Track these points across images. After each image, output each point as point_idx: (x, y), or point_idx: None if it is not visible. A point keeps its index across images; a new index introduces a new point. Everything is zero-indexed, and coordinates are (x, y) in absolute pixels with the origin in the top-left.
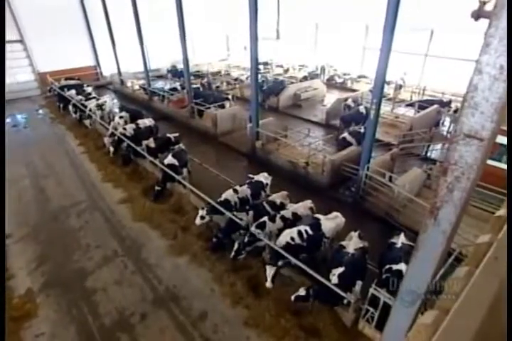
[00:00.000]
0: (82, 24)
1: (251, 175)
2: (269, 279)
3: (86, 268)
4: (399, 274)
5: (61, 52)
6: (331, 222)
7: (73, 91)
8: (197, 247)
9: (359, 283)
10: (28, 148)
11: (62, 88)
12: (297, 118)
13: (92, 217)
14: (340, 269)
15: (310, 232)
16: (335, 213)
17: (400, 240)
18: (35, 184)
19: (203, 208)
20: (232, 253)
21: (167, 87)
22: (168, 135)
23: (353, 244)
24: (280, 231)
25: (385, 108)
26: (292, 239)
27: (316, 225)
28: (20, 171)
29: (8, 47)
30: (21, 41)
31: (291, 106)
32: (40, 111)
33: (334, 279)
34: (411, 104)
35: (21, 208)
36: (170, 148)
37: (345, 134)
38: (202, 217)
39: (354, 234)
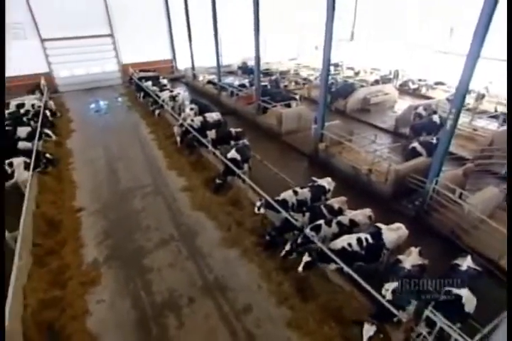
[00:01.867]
0: (164, 21)
1: (314, 179)
2: (301, 265)
3: (144, 248)
4: (458, 299)
5: (143, 46)
6: (393, 233)
7: (150, 83)
8: (249, 242)
9: (414, 302)
10: (106, 132)
11: (140, 79)
12: (364, 123)
13: (155, 201)
14: (395, 285)
15: (370, 241)
16: (398, 224)
17: (466, 263)
18: (109, 165)
19: (260, 200)
20: (283, 252)
21: (236, 83)
22: (231, 129)
23: (411, 259)
24: (335, 236)
25: (463, 119)
26: (350, 245)
27: (377, 234)
28: (98, 152)
29: (99, 40)
30: (111, 35)
31: (359, 110)
32: (120, 99)
33: (388, 295)
34: (494, 116)
35: (96, 186)
36: (230, 142)
37: (415, 144)
38: (257, 208)
39: (414, 250)
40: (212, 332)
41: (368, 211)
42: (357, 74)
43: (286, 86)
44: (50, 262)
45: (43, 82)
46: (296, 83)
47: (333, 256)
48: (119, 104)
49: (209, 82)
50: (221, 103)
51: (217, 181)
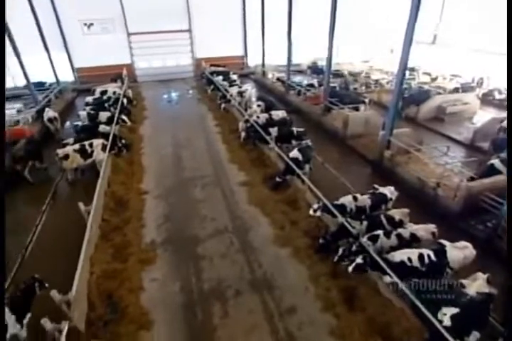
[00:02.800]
0: (239, 18)
1: (376, 186)
2: (352, 265)
3: (199, 236)
4: None
5: (217, 42)
6: (458, 252)
7: (220, 77)
8: (301, 243)
9: (475, 334)
10: (175, 121)
11: (212, 73)
12: (436, 133)
13: (214, 192)
14: (455, 310)
15: (433, 258)
16: (464, 243)
17: None
18: (175, 152)
19: (318, 202)
20: (336, 258)
21: (305, 82)
22: (293, 128)
23: (477, 286)
24: (392, 249)
25: None
26: (409, 259)
27: (441, 252)
28: (167, 140)
29: (177, 35)
30: (189, 30)
31: (432, 119)
32: (190, 92)
33: (446, 320)
34: None
35: (161, 171)
36: (291, 141)
37: (495, 160)
38: (314, 210)
39: (481, 276)
40: (254, 327)
41: (432, 227)
42: (434, 80)
43: (355, 88)
44: (114, 237)
45: (124, 72)
46: (367, 86)
47: (387, 270)
48: (189, 96)
49: (278, 79)
50: (287, 101)
51: (277, 179)
